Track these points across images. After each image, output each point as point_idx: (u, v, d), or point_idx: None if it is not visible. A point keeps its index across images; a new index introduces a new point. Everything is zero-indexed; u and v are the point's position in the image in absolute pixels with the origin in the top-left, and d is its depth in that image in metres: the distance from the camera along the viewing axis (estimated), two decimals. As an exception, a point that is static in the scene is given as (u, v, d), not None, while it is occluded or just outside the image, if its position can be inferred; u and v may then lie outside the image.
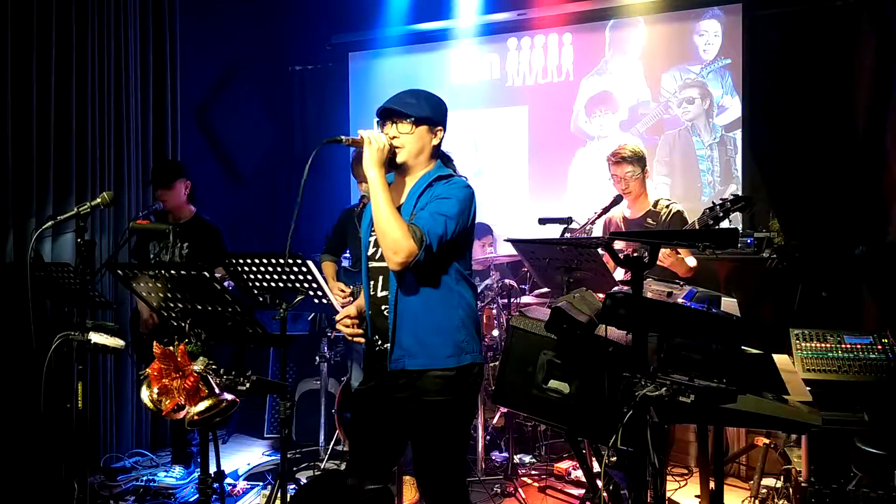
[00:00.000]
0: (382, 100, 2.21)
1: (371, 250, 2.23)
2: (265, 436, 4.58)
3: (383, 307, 2.17)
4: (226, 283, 2.51)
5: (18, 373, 3.44)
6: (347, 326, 2.25)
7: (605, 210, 3.52)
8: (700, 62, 4.92)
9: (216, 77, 5.62)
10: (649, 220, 3.45)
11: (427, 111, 2.16)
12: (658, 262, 3.19)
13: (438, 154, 2.26)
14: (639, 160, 3.43)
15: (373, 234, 2.21)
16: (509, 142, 5.57)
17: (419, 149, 2.17)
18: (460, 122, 5.70)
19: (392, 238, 2.00)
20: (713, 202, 2.81)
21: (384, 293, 2.17)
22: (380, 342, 2.19)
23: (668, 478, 3.59)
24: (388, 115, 2.16)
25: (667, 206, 3.45)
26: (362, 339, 2.24)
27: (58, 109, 3.96)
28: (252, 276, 2.93)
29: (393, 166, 2.17)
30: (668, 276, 3.19)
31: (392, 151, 2.13)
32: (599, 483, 2.57)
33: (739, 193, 4.71)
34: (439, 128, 2.20)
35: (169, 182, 3.75)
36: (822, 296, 4.05)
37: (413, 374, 2.12)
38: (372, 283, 2.22)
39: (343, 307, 2.36)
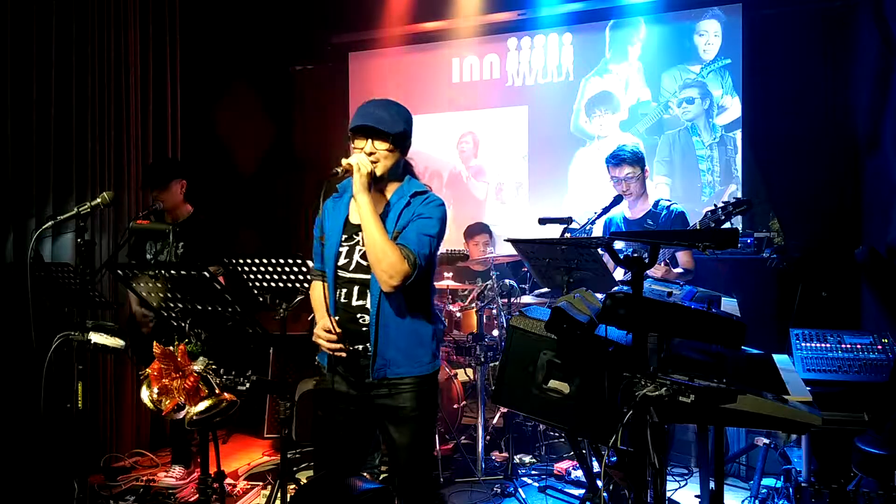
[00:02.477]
0: (382, 100, 2.23)
1: (343, 260, 2.22)
2: (265, 436, 4.58)
3: (359, 315, 2.20)
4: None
5: (18, 373, 3.44)
6: (331, 341, 2.18)
7: (606, 210, 3.51)
8: (700, 62, 4.92)
9: (216, 77, 5.62)
10: (649, 221, 3.45)
11: (402, 126, 2.18)
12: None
13: (404, 163, 2.30)
14: (638, 161, 3.43)
15: (344, 243, 2.22)
16: (509, 142, 5.57)
17: (394, 163, 2.21)
18: (460, 122, 5.71)
19: (388, 263, 2.07)
20: (715, 204, 2.80)
21: (360, 302, 2.20)
22: (349, 344, 2.22)
23: (668, 478, 3.59)
24: (363, 130, 2.16)
25: (667, 208, 3.44)
26: (344, 353, 2.20)
27: (58, 109, 3.96)
28: (252, 277, 2.94)
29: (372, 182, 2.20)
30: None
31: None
32: (599, 483, 2.57)
33: (739, 193, 4.74)
34: (409, 140, 2.25)
35: (164, 183, 3.73)
36: (822, 296, 4.05)
37: (393, 381, 2.20)
38: (344, 290, 2.21)
39: None
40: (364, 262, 2.17)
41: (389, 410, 2.21)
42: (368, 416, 2.26)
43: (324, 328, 2.19)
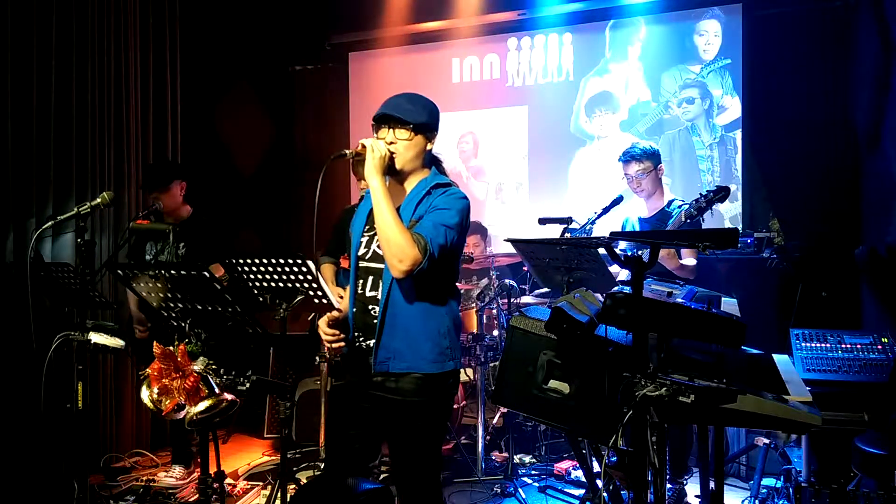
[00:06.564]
0: (382, 100, 2.22)
1: (362, 250, 2.24)
2: (265, 436, 4.58)
3: (370, 306, 2.19)
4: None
5: (18, 373, 3.44)
6: (332, 336, 2.21)
7: (606, 210, 3.50)
8: (700, 62, 4.92)
9: (216, 77, 5.61)
10: (661, 220, 3.43)
11: (425, 118, 2.17)
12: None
13: (431, 159, 2.28)
14: (648, 157, 3.40)
15: (365, 233, 2.24)
16: (509, 142, 5.56)
17: (415, 154, 2.18)
18: (460, 122, 5.71)
19: (397, 246, 2.02)
20: (700, 193, 2.89)
21: (373, 293, 2.19)
22: (362, 339, 2.21)
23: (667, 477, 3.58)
24: (385, 120, 2.17)
25: (679, 208, 3.42)
26: (342, 344, 2.22)
27: (58, 109, 3.95)
28: (252, 277, 2.93)
29: (391, 172, 2.18)
30: (669, 275, 3.19)
31: (391, 158, 2.14)
32: (599, 483, 2.57)
33: (739, 193, 4.74)
34: (434, 133, 2.23)
35: (164, 184, 3.72)
36: (822, 296, 4.05)
37: (396, 376, 2.14)
38: (360, 281, 2.23)
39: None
40: (380, 251, 2.13)
41: (390, 412, 2.16)
42: (375, 415, 2.20)
43: (326, 322, 2.22)
